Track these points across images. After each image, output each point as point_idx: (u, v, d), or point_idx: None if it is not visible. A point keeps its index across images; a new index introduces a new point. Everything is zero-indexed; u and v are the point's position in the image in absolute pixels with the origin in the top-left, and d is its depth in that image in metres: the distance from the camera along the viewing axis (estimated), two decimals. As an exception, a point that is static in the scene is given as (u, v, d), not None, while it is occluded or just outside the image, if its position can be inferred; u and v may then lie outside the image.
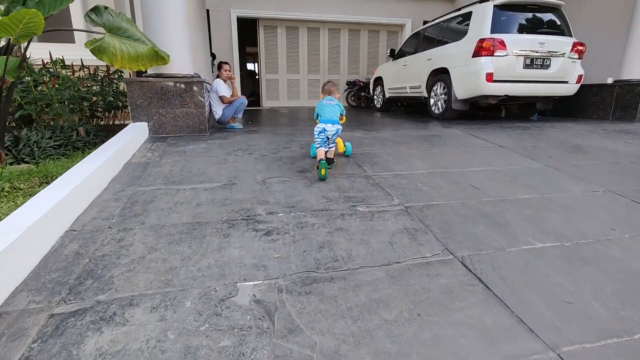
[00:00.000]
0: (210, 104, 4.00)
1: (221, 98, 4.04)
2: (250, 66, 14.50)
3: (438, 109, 5.42)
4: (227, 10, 8.76)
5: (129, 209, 1.91)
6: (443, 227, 1.77)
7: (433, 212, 1.91)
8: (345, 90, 9.66)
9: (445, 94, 5.21)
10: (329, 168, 2.47)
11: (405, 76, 6.39)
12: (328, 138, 2.63)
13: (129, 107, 3.23)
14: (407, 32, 9.79)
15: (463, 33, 4.94)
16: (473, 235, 1.69)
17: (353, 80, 9.41)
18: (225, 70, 4.13)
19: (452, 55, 5.01)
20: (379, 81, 7.74)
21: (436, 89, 5.42)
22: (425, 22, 10.16)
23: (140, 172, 2.44)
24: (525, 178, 2.46)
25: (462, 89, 4.82)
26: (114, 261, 1.45)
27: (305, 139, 3.55)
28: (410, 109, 8.32)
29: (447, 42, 5.31)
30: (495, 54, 4.43)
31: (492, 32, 4.49)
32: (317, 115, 2.74)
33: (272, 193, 2.13)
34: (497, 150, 3.20)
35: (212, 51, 8.81)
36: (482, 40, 4.46)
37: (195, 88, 3.37)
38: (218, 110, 4.03)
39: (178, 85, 3.34)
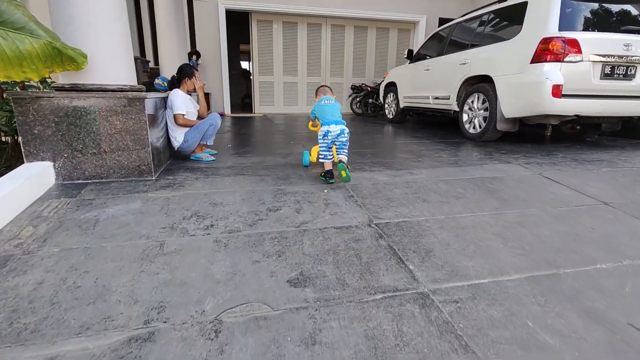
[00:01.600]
0: (167, 127, 2.78)
1: (175, 118, 2.75)
2: (245, 65, 13.26)
3: (474, 127, 4.22)
4: (213, 2, 7.52)
5: None
6: None
7: None
8: (349, 96, 8.46)
9: (485, 110, 4.02)
10: (347, 177, 2.29)
11: (428, 83, 5.18)
12: (334, 143, 2.40)
13: (20, 137, 2.01)
14: (421, 31, 8.60)
15: (513, 30, 3.74)
16: None
17: (359, 84, 8.21)
18: (193, 79, 2.91)
19: (498, 60, 3.81)
20: (391, 87, 6.53)
21: (472, 103, 4.22)
22: (441, 20, 8.99)
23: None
24: None
25: (513, 105, 3.63)
26: None
27: (305, 186, 2.35)
28: (425, 117, 7.11)
29: (488, 42, 4.11)
30: (565, 59, 3.23)
31: (561, 28, 3.29)
32: (315, 116, 2.59)
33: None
34: (605, 211, 2.01)
35: (196, 49, 7.58)
36: (547, 41, 3.27)
37: (133, 106, 2.15)
38: (177, 136, 2.79)
39: (105, 102, 2.12)
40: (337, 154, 2.42)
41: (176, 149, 2.81)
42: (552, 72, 3.25)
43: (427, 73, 5.21)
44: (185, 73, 2.86)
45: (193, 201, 1.99)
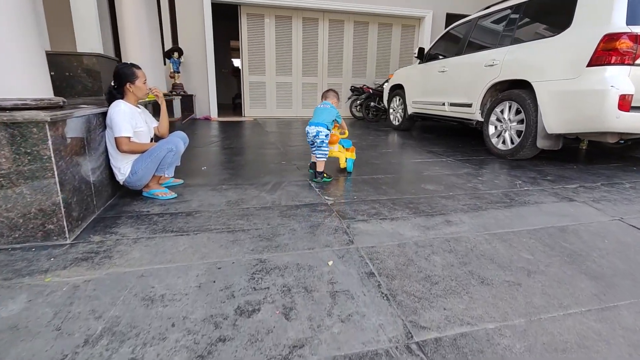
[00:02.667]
0: (108, 154, 2.00)
1: (117, 143, 1.91)
2: (237, 62, 12.43)
3: (504, 143, 3.49)
4: (197, -8, 6.71)
5: None
6: None
7: None
8: (349, 98, 7.71)
9: (520, 122, 3.29)
10: (316, 181, 2.52)
11: (443, 87, 4.45)
12: (314, 143, 2.53)
13: None
14: (427, 27, 7.87)
15: (559, 24, 3.02)
16: None
17: (360, 86, 7.46)
18: (138, 83, 2.04)
19: (540, 61, 3.08)
20: (397, 90, 5.78)
21: (502, 113, 3.49)
22: (449, 15, 8.23)
23: None
24: None
25: (561, 118, 2.90)
26: None
27: (299, 251, 1.61)
28: (432, 122, 6.37)
29: (523, 40, 3.39)
30: (637, 62, 2.51)
31: (629, 22, 2.57)
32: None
33: None
34: None
35: (178, 45, 6.78)
36: (612, 38, 2.54)
37: (27, 134, 1.38)
38: (121, 167, 1.97)
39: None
40: (314, 154, 2.62)
41: (121, 183, 2.03)
42: (619, 78, 2.52)
43: (442, 75, 4.47)
44: (124, 76, 1.98)
45: (116, 294, 1.22)
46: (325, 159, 2.55)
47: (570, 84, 2.80)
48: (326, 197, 2.19)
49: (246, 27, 7.33)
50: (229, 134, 5.16)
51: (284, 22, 7.48)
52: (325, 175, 2.57)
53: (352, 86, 7.60)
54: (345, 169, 2.86)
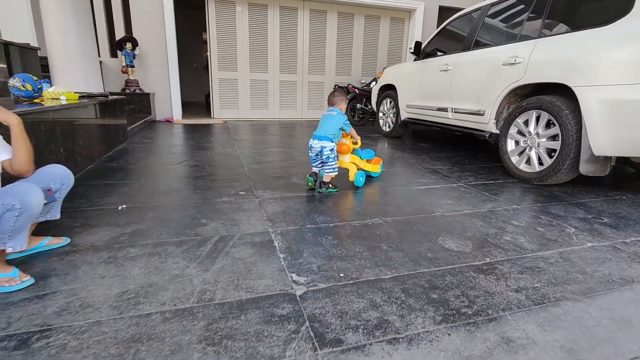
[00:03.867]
0: None
1: None
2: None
3: (530, 163, 2.74)
4: (153, -28, 5.70)
5: None
6: None
7: None
8: (332, 99, 6.87)
9: (553, 139, 2.55)
10: (321, 191, 2.35)
11: (446, 90, 3.67)
12: (316, 159, 2.37)
13: None
14: (418, 20, 7.12)
15: (614, 9, 2.27)
16: None
17: (344, 85, 6.63)
18: None
19: (585, 59, 2.32)
20: (388, 92, 4.99)
21: (526, 125, 2.74)
22: (442, 8, 7.42)
23: None
24: None
25: (616, 136, 2.16)
26: None
27: None
28: (423, 126, 5.61)
29: (558, 30, 2.63)
30: None
31: None
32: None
33: None
34: None
35: (132, 35, 5.78)
36: None
37: None
38: None
39: None
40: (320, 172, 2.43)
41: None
42: None
43: (445, 75, 3.69)
44: None
45: None
46: (335, 174, 2.37)
47: (630, 91, 2.05)
48: (294, 276, 1.34)
49: (214, 16, 6.36)
50: (185, 142, 4.24)
51: (259, 11, 6.56)
52: (330, 186, 2.38)
53: (335, 85, 6.76)
54: (354, 182, 2.52)
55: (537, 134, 2.66)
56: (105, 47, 5.89)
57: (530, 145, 2.73)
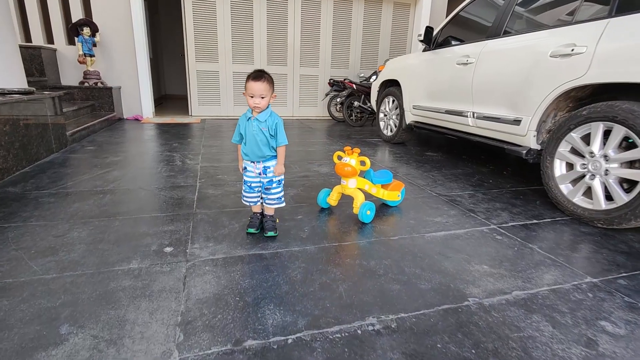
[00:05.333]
0: None
1: None
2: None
3: (589, 197, 1.94)
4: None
5: None
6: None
7: None
8: (327, 94, 6.06)
9: (630, 165, 1.74)
10: (265, 234, 1.62)
11: (466, 88, 2.85)
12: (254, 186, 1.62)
13: None
14: (425, 6, 6.25)
15: None
16: None
17: (341, 79, 5.79)
18: None
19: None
20: (390, 88, 4.16)
21: (586, 142, 1.93)
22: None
23: None
24: None
25: None
26: None
27: None
28: (428, 135, 4.77)
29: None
30: None
31: None
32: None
33: None
34: None
35: (91, 19, 4.94)
36: None
37: None
38: None
39: None
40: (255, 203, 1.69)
41: None
42: None
43: (465, 70, 2.87)
44: None
45: None
46: (282, 205, 1.67)
47: None
48: None
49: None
50: (141, 150, 3.42)
51: (243, -7, 5.69)
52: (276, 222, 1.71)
53: (331, 79, 5.93)
54: (358, 216, 1.85)
55: (606, 156, 1.85)
56: (60, 32, 5.04)
57: (592, 172, 1.92)
